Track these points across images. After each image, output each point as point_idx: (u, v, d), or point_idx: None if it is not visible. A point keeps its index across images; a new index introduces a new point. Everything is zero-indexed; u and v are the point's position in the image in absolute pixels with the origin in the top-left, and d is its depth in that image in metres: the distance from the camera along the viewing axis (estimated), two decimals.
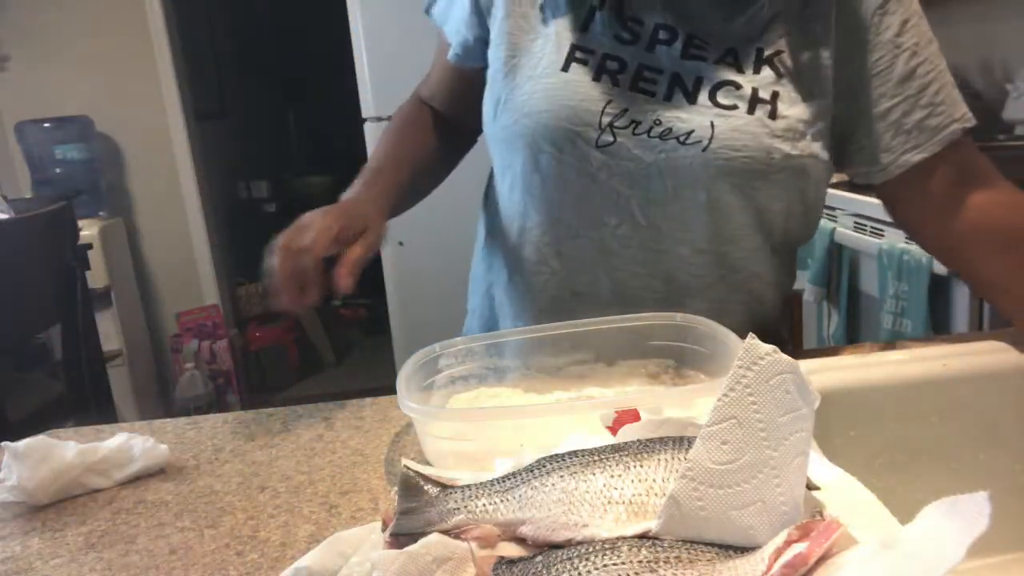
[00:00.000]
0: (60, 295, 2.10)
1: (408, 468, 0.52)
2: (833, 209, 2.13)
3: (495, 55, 0.88)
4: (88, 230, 2.98)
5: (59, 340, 2.20)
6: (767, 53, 0.82)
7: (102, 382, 2.28)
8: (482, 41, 0.92)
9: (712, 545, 0.42)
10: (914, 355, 0.77)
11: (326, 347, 4.28)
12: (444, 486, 0.51)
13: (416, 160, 0.99)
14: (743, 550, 0.41)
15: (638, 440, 0.50)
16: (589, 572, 0.41)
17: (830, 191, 2.15)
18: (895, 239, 1.80)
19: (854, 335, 2.04)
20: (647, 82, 0.81)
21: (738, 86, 0.81)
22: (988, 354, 0.75)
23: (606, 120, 0.80)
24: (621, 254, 0.86)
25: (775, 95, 0.81)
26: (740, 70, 0.81)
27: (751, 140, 0.79)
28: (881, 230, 1.87)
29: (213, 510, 0.66)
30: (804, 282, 2.19)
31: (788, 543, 0.40)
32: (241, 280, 4.06)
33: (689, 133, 0.79)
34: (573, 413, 0.62)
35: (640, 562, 0.41)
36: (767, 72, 0.81)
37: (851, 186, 2.18)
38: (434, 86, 1.05)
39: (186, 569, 0.57)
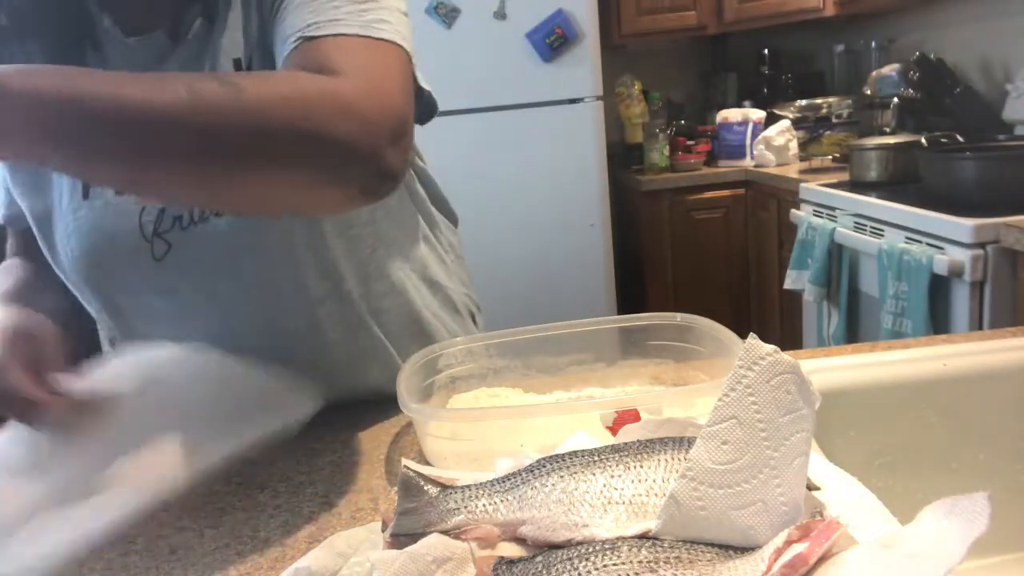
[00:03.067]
0: None
1: (408, 468, 0.52)
2: (833, 209, 2.13)
3: (27, 209, 0.79)
4: None
5: None
6: (222, 66, 0.72)
7: None
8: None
9: (712, 545, 0.42)
10: (914, 355, 0.77)
11: None
12: (444, 486, 0.51)
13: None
14: (743, 550, 0.41)
15: (638, 440, 0.50)
16: (589, 572, 0.41)
17: (830, 191, 2.16)
18: (895, 239, 1.80)
19: (854, 335, 2.04)
20: None
21: None
22: (988, 354, 0.75)
23: (149, 229, 0.73)
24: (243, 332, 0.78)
25: None
26: None
27: None
28: (881, 230, 1.87)
29: (213, 510, 0.66)
30: (804, 282, 2.19)
31: (788, 543, 0.40)
32: None
33: None
34: (573, 413, 0.62)
35: (640, 562, 0.41)
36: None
37: (851, 186, 2.18)
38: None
39: (186, 569, 0.57)
